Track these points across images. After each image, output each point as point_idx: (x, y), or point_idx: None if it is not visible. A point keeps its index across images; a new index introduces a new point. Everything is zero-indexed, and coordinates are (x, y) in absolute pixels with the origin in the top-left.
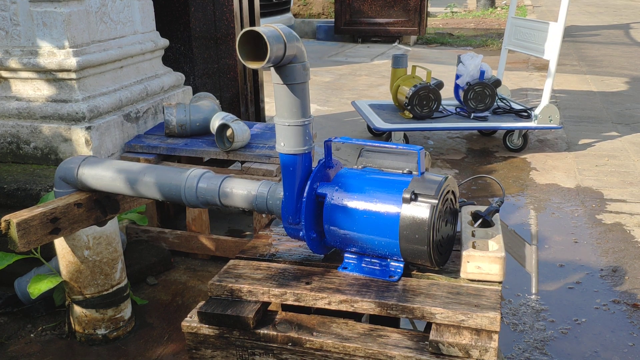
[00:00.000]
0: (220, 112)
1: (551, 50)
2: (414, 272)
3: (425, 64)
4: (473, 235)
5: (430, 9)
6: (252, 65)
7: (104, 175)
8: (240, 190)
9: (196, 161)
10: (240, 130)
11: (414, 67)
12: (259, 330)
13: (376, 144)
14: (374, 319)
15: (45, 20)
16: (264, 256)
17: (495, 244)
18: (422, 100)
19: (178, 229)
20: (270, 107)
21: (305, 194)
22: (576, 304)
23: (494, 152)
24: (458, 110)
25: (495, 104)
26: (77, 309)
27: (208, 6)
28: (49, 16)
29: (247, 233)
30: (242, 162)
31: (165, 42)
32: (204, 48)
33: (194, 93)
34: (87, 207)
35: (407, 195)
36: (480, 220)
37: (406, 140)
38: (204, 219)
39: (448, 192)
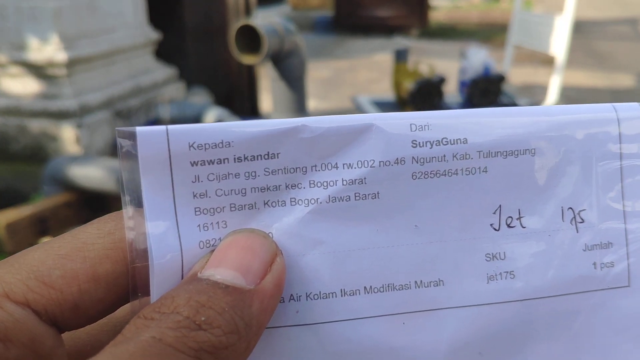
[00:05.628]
0: (215, 107)
1: (558, 44)
2: None
3: (427, 59)
4: None
5: (433, 2)
6: (247, 60)
7: (94, 174)
8: None
9: None
10: None
11: (416, 61)
12: None
13: None
14: None
15: (34, 14)
16: None
17: None
18: (425, 96)
19: None
20: (266, 103)
21: None
22: None
23: None
24: (462, 106)
25: (500, 100)
26: None
27: None
28: (38, 10)
29: None
30: None
31: (157, 35)
32: (198, 41)
33: (187, 88)
34: (77, 207)
35: None
36: None
37: None
38: None
39: None
